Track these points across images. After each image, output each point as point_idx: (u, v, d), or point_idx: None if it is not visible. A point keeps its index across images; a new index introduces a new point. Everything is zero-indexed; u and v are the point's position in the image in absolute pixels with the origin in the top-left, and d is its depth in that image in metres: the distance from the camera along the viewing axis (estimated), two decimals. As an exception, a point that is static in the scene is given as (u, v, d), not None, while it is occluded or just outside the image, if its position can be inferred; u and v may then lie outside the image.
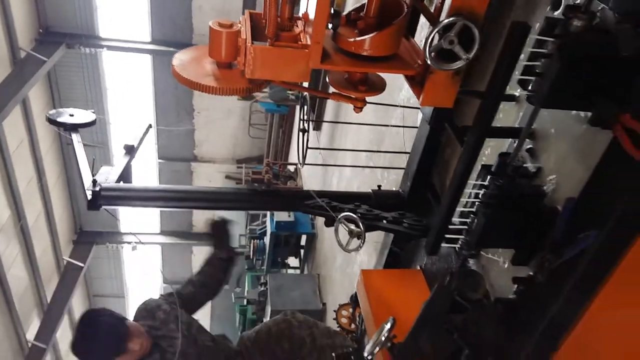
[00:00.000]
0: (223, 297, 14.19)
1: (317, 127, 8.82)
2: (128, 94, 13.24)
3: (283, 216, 9.24)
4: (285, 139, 12.08)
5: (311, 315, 8.77)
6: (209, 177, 15.36)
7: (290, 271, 10.61)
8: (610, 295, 1.48)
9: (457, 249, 1.86)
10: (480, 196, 1.70)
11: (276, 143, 12.19)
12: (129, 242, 15.51)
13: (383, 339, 1.65)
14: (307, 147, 3.42)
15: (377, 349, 1.67)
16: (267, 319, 8.90)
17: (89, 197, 2.33)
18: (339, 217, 2.02)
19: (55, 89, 12.29)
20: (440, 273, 2.32)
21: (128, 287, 17.26)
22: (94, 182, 2.34)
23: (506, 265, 1.87)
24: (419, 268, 2.61)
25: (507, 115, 1.92)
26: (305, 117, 3.36)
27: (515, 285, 1.77)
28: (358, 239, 2.00)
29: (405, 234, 2.10)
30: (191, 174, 15.23)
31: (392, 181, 4.38)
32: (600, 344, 1.78)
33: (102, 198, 2.38)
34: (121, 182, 2.58)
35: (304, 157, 3.45)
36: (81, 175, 2.47)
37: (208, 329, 2.92)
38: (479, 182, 1.74)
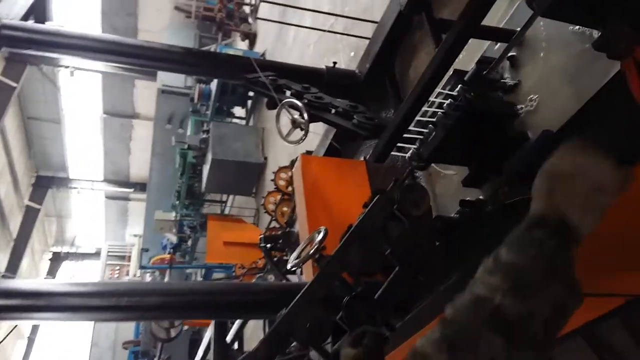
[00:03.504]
0: (165, 136, 13.90)
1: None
2: None
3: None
4: (244, -24, 11.00)
5: (251, 168, 8.72)
6: (156, 5, 14.08)
7: (235, 121, 10.34)
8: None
9: (407, 158, 1.66)
10: (445, 106, 1.45)
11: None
12: (66, 67, 14.46)
13: (312, 251, 1.49)
14: None
15: (302, 262, 1.52)
16: (207, 166, 8.79)
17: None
18: (283, 102, 1.74)
19: None
20: (381, 177, 2.15)
21: (64, 112, 16.53)
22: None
23: (455, 184, 1.70)
24: (362, 159, 2.41)
25: (493, 11, 1.59)
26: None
27: (460, 206, 1.62)
28: (301, 130, 1.75)
29: (353, 131, 1.86)
30: (136, 3, 13.87)
31: (350, 54, 4.01)
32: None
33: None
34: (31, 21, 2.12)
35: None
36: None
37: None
38: (446, 91, 1.47)
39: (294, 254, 1.60)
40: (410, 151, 1.65)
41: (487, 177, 1.52)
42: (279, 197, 6.52)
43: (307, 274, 1.97)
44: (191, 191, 14.97)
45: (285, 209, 6.23)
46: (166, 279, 13.56)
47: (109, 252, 26.20)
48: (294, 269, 1.54)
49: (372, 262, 1.57)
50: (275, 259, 3.47)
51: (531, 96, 1.40)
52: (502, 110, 1.43)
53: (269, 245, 3.14)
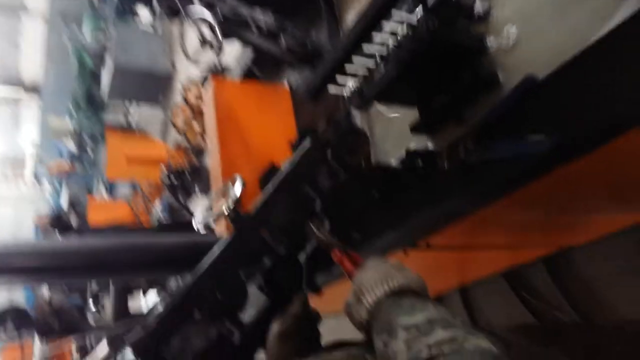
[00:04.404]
0: (60, 35, 12.36)
1: None
2: None
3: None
4: None
5: (157, 78, 7.97)
6: None
7: (140, 26, 9.28)
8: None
9: (345, 97, 1.36)
10: (399, 36, 1.14)
11: None
12: None
13: (225, 209, 1.19)
14: None
15: (213, 218, 1.21)
16: (108, 73, 7.84)
17: None
18: (190, 14, 1.32)
19: None
20: (308, 110, 1.83)
21: None
22: None
23: (398, 128, 1.44)
24: (285, 84, 2.07)
25: None
26: None
27: (405, 156, 1.37)
28: (211, 49, 1.37)
29: (279, 58, 1.51)
30: None
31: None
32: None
33: None
34: None
35: None
36: None
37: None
38: (403, 18, 1.15)
39: (203, 208, 1.29)
40: (350, 87, 1.34)
41: (441, 124, 1.27)
42: (188, 112, 6.02)
43: (219, 226, 1.68)
44: (91, 97, 13.73)
45: (196, 126, 5.78)
46: (64, 189, 12.68)
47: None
48: (201, 226, 1.23)
49: (298, 219, 1.30)
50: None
51: (507, 28, 1.13)
52: (471, 44, 1.15)
53: (175, 181, 2.74)
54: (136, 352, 1.07)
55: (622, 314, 1.93)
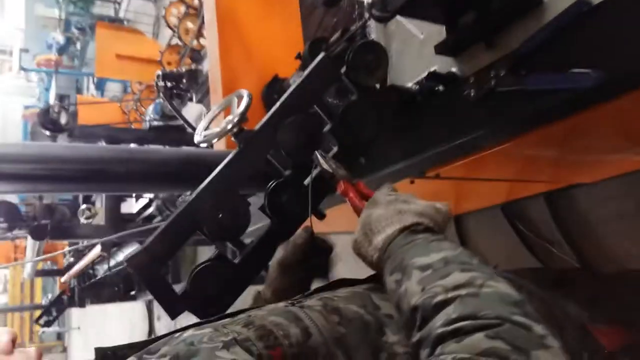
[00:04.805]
0: None
1: None
2: None
3: None
4: None
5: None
6: None
7: None
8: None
9: (365, 6, 1.22)
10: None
11: None
12: None
13: (229, 126, 1.09)
14: None
15: (217, 136, 1.12)
16: None
17: None
18: None
19: None
20: (317, 18, 1.68)
21: None
22: None
23: (417, 46, 1.32)
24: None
25: None
26: None
27: (425, 80, 1.27)
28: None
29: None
30: None
31: None
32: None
33: None
34: None
35: None
36: None
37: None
38: None
39: (203, 122, 1.19)
40: (373, -4, 1.21)
41: (470, 47, 1.15)
42: (182, 8, 5.70)
43: (219, 142, 1.60)
44: (78, -16, 13.02)
45: (190, 25, 5.49)
46: (53, 84, 12.36)
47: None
48: (203, 143, 1.14)
49: (305, 139, 1.22)
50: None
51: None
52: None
53: (169, 85, 2.59)
54: (136, 272, 1.03)
55: (621, 255, 1.94)
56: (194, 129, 2.01)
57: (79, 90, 13.12)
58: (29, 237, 3.53)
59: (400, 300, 0.72)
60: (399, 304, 0.72)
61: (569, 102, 0.96)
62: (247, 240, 1.20)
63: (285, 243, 1.12)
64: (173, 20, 5.69)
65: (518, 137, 1.12)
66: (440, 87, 1.23)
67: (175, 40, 5.54)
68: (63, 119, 3.75)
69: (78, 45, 14.92)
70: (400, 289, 0.72)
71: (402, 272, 0.74)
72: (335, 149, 1.25)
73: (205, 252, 5.82)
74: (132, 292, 5.58)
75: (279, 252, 1.11)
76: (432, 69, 1.26)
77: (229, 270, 1.15)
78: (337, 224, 1.52)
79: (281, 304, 0.80)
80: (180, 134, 4.22)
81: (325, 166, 1.06)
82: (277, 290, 1.08)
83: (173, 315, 1.09)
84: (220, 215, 1.14)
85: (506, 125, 1.09)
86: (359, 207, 0.95)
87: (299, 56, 1.53)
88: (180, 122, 3.88)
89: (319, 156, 1.09)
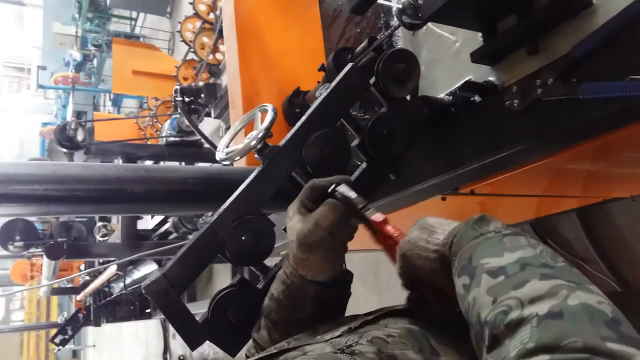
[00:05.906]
0: None
1: None
2: None
3: None
4: None
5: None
6: None
7: None
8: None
9: (395, 10, 1.14)
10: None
11: None
12: None
13: (253, 142, 1.02)
14: None
15: (239, 154, 1.05)
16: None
17: None
18: None
19: None
20: (339, 27, 1.61)
21: None
22: None
23: (452, 52, 1.24)
24: (316, -3, 1.83)
25: None
26: None
27: (459, 90, 1.19)
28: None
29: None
30: None
31: None
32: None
33: None
34: None
35: None
36: None
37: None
38: None
39: (225, 139, 1.12)
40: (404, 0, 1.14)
41: (508, 53, 1.07)
42: (198, 24, 5.70)
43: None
44: (95, 3, 13.20)
45: (205, 39, 5.48)
46: (70, 101, 12.49)
47: (4, 63, 23.88)
48: (225, 162, 1.07)
49: (333, 157, 1.14)
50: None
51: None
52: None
53: (187, 99, 2.54)
54: (154, 299, 0.95)
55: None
56: (214, 146, 1.94)
57: (96, 107, 13.26)
58: (45, 256, 3.49)
59: (468, 310, 0.60)
60: (468, 313, 0.61)
61: (624, 112, 0.87)
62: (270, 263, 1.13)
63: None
64: (189, 36, 5.69)
65: (564, 151, 1.04)
66: (477, 98, 1.14)
67: (191, 56, 5.54)
68: (80, 136, 3.73)
69: (95, 62, 15.12)
70: (469, 296, 0.60)
71: (469, 276, 0.62)
72: (363, 164, 1.17)
73: (221, 270, 5.75)
74: (148, 310, 5.52)
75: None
76: (466, 78, 1.18)
77: (253, 297, 1.07)
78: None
79: (327, 348, 0.66)
80: (196, 149, 4.18)
81: (354, 198, 0.92)
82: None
83: (193, 346, 1.01)
84: (244, 238, 1.07)
85: (552, 138, 1.00)
86: (394, 239, 0.81)
87: (322, 68, 1.45)
88: (197, 137, 3.83)
89: (346, 188, 0.92)
